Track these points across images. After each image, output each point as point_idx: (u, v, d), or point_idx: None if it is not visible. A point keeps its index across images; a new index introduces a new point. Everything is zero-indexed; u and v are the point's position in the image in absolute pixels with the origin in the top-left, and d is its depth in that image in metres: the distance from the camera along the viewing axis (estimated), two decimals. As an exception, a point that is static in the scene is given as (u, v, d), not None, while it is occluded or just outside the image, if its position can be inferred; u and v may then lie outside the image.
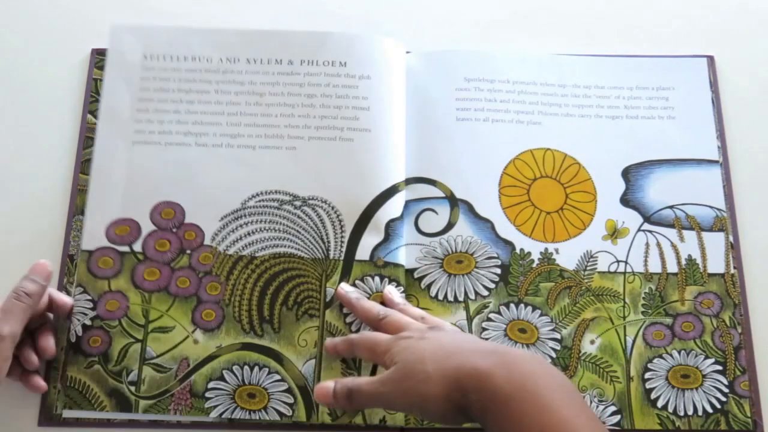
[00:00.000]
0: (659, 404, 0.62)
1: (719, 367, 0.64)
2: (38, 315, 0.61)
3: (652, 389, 0.63)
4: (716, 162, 0.70)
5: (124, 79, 0.69)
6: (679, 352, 0.64)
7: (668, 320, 0.65)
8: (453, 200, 0.67)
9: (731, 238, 0.67)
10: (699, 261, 0.67)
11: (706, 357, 0.64)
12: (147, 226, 0.65)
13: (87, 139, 0.69)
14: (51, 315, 0.63)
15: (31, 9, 0.75)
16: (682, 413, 0.62)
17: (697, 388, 0.63)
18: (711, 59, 0.74)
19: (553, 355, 0.64)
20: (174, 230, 0.65)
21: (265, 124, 0.68)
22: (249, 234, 0.65)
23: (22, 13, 0.75)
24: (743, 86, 0.74)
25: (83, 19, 0.75)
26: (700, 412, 0.62)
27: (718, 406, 0.62)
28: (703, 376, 0.63)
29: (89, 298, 0.64)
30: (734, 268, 0.67)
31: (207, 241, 0.65)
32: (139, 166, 0.67)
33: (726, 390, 0.63)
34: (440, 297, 0.65)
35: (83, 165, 0.68)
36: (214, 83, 0.69)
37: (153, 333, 0.63)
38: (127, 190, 0.66)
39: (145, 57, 0.70)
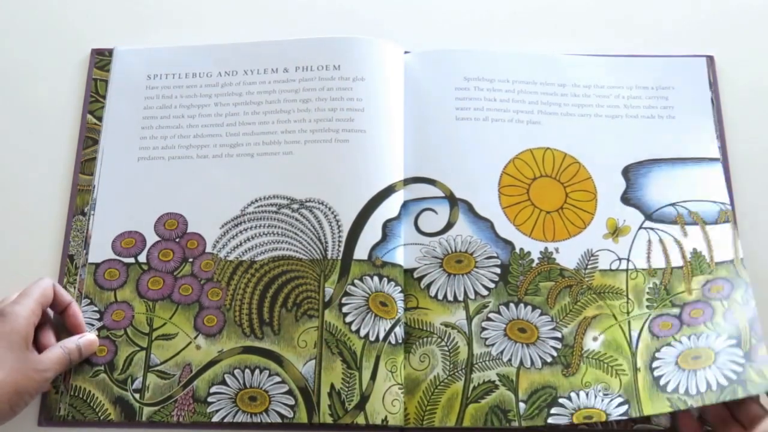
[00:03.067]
0: (669, 388, 0.60)
1: (734, 341, 0.61)
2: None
3: (660, 376, 0.61)
4: (717, 159, 0.69)
5: (129, 99, 0.71)
6: (689, 338, 0.62)
7: (675, 310, 0.64)
8: (452, 200, 0.67)
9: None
10: (705, 253, 0.65)
11: (718, 336, 0.61)
12: (151, 238, 0.67)
13: (87, 139, 0.70)
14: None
15: (31, 9, 0.77)
16: (694, 392, 0.59)
17: (710, 366, 0.60)
18: (711, 59, 0.73)
19: (554, 353, 0.63)
20: (177, 240, 0.67)
21: (262, 132, 0.69)
22: (249, 239, 0.66)
23: (22, 13, 0.77)
24: (743, 86, 0.73)
25: (83, 19, 0.77)
26: (714, 387, 0.59)
27: (734, 377, 0.59)
28: (716, 353, 0.60)
29: (96, 309, 0.65)
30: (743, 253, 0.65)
31: (208, 249, 0.66)
32: (144, 180, 0.68)
33: (742, 360, 0.59)
34: (440, 297, 0.64)
35: (83, 165, 0.70)
36: (213, 96, 0.71)
37: (157, 340, 0.64)
38: (133, 204, 0.68)
39: (149, 77, 0.72)
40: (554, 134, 0.70)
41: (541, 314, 0.64)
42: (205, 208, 0.67)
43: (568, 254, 0.66)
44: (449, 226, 0.66)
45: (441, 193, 0.67)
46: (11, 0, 0.78)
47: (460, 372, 0.62)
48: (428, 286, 0.65)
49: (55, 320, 0.64)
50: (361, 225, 0.65)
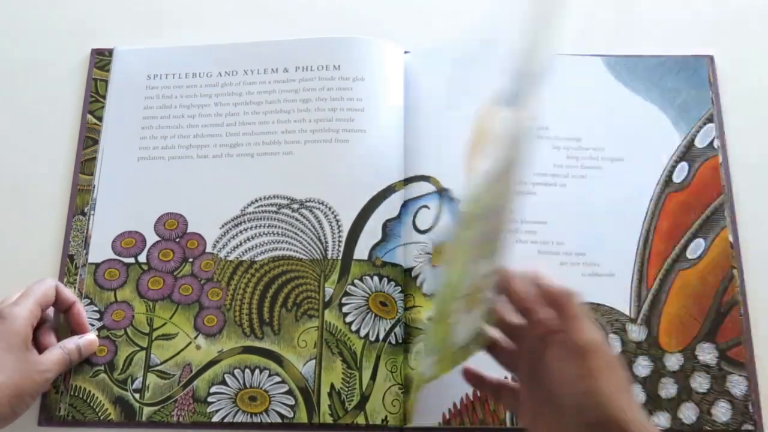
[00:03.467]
0: None
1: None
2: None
3: None
4: None
5: (129, 99, 0.71)
6: None
7: None
8: (441, 194, 0.67)
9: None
10: None
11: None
12: (151, 238, 0.67)
13: (87, 139, 0.70)
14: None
15: (31, 9, 0.77)
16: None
17: None
18: (711, 59, 0.73)
19: None
20: (177, 240, 0.67)
21: (262, 132, 0.69)
22: (249, 239, 0.66)
23: (22, 13, 0.77)
24: (743, 86, 0.73)
25: (83, 19, 0.77)
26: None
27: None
28: None
29: (96, 309, 0.65)
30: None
31: (209, 249, 0.66)
32: (144, 180, 0.68)
33: None
34: (430, 293, 0.64)
35: (83, 165, 0.70)
36: (213, 96, 0.71)
37: (157, 340, 0.64)
38: (133, 204, 0.68)
39: (149, 77, 0.72)
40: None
41: None
42: (205, 208, 0.67)
43: None
44: (439, 220, 0.66)
45: (434, 189, 0.67)
46: (11, 0, 0.78)
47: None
48: (422, 284, 0.64)
49: (56, 320, 0.64)
50: (361, 225, 0.65)
